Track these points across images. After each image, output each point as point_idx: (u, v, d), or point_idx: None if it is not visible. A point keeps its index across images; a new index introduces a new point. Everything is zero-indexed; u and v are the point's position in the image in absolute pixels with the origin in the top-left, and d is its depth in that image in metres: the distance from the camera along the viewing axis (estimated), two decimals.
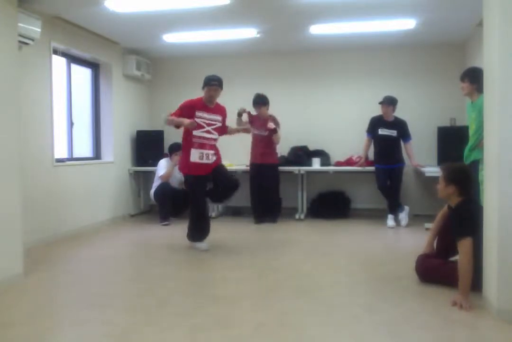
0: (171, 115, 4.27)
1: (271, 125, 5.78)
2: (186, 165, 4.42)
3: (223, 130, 4.61)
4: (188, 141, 4.36)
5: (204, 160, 4.38)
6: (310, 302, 3.05)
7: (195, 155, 4.33)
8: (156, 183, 6.14)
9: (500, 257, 2.70)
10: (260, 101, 5.90)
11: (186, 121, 4.17)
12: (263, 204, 6.09)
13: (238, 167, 6.40)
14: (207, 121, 4.39)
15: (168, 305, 3.00)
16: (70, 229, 5.27)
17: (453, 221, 3.17)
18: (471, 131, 3.88)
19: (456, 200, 3.21)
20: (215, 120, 4.47)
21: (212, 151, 4.44)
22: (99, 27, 5.46)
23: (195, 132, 4.32)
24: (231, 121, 5.86)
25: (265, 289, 3.33)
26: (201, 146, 4.37)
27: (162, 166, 6.08)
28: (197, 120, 4.30)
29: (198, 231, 4.53)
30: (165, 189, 5.99)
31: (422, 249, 3.56)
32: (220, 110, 4.56)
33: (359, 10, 4.80)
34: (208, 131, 4.40)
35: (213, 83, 4.38)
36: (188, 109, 4.33)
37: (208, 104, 4.42)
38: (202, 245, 4.52)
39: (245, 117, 5.98)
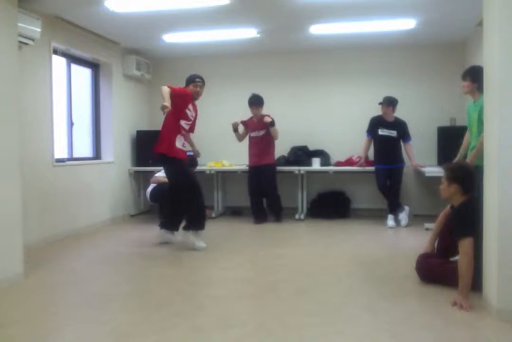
0: (172, 88, 4.31)
1: (267, 119, 5.80)
2: (175, 150, 4.46)
3: (191, 129, 4.74)
4: (175, 128, 4.46)
5: (185, 148, 4.60)
6: (310, 302, 3.05)
7: (179, 142, 4.50)
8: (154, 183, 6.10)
9: (500, 257, 2.70)
10: (257, 101, 5.90)
11: (167, 102, 4.11)
12: (262, 204, 6.11)
13: (239, 168, 6.40)
14: (190, 116, 4.60)
15: (168, 305, 3.00)
16: (70, 229, 5.27)
17: (454, 221, 3.17)
18: (473, 132, 3.85)
19: (459, 200, 3.21)
20: (193, 117, 4.67)
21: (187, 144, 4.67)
22: (99, 27, 5.46)
23: (182, 123, 4.51)
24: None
25: (265, 289, 3.33)
26: (184, 137, 4.58)
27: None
28: (187, 112, 4.54)
29: (204, 216, 4.59)
30: (163, 189, 5.94)
31: (423, 249, 3.56)
32: (196, 109, 4.75)
33: (359, 10, 4.80)
34: (187, 125, 4.61)
35: (198, 80, 4.62)
36: (187, 98, 4.51)
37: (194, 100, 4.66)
38: (200, 244, 4.51)
39: (240, 129, 5.99)
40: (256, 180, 5.98)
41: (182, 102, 4.43)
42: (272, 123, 5.81)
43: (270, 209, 6.18)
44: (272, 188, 6.02)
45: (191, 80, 4.61)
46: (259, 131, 5.94)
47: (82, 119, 6.01)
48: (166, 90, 4.21)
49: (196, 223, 4.54)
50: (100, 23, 5.27)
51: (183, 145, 4.53)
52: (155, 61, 7.09)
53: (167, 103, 4.10)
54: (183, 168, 4.54)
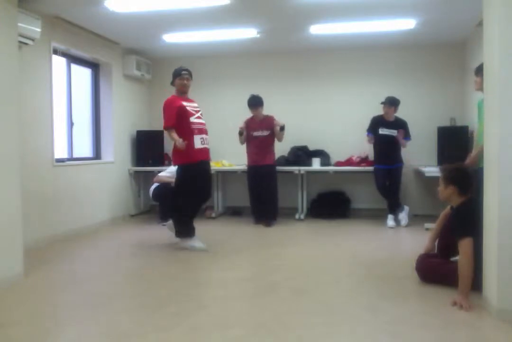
0: (168, 124, 4.31)
1: (279, 122, 5.82)
2: (188, 154, 4.33)
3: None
4: (186, 130, 4.34)
5: (205, 145, 4.47)
6: (310, 302, 3.05)
7: (198, 141, 4.38)
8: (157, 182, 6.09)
9: (500, 257, 2.70)
10: (257, 102, 5.88)
11: (179, 141, 4.20)
12: (262, 204, 6.08)
13: (239, 168, 6.40)
14: (194, 109, 4.48)
15: (168, 305, 3.00)
16: (70, 229, 5.27)
17: (454, 221, 3.17)
18: (481, 129, 3.77)
19: (458, 200, 3.21)
20: (197, 107, 4.54)
21: (207, 136, 4.55)
22: (99, 27, 5.46)
23: (191, 119, 4.39)
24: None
25: (264, 289, 3.33)
26: (200, 131, 4.45)
27: (171, 171, 5.90)
28: (188, 108, 4.41)
29: (192, 224, 4.54)
30: (165, 189, 5.94)
31: (423, 248, 3.56)
32: (193, 101, 4.62)
33: (359, 10, 4.80)
34: (198, 117, 4.49)
35: (184, 73, 4.49)
36: (179, 106, 4.36)
37: (183, 96, 4.51)
38: (200, 244, 4.51)
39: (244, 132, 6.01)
40: (256, 179, 5.96)
41: (182, 112, 4.35)
42: (283, 128, 5.82)
43: (265, 211, 5.98)
44: (272, 191, 5.94)
45: (177, 74, 4.48)
46: (262, 131, 5.91)
47: (82, 119, 6.01)
48: (172, 135, 4.25)
49: (180, 229, 4.53)
50: (100, 23, 5.27)
51: (201, 143, 4.40)
52: (155, 61, 7.09)
53: (180, 140, 4.17)
54: (195, 173, 4.38)
